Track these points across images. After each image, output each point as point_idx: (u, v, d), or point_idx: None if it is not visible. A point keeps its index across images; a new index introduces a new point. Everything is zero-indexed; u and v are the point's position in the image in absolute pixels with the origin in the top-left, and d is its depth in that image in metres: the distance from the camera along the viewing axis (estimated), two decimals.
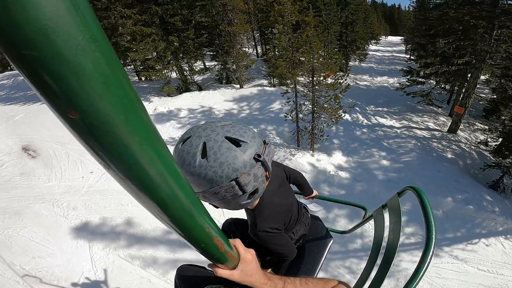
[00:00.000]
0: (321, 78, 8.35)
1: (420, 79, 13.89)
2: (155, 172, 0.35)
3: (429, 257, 0.66)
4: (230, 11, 13.21)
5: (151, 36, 12.38)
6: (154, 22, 13.12)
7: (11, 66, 30.93)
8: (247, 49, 21.14)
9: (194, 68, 14.52)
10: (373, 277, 0.89)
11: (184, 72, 14.33)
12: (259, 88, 15.08)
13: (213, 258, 0.63)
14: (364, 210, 1.58)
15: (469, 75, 11.67)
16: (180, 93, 14.20)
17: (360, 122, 12.98)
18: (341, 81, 8.22)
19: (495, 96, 12.92)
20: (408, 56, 29.97)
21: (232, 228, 1.60)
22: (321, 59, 8.06)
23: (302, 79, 8.72)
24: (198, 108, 12.97)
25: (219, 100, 13.81)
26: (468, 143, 11.67)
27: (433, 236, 0.68)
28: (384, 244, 0.98)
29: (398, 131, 12.00)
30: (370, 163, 9.57)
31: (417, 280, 0.67)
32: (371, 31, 32.58)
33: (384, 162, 9.55)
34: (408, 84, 14.42)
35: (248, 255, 0.73)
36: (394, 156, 9.89)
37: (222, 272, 0.68)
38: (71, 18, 0.22)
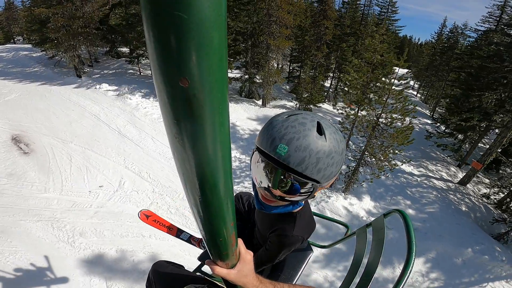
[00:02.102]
0: (387, 121, 8.17)
1: (455, 132, 14.29)
2: (215, 155, 0.37)
3: (409, 271, 0.77)
4: (274, 22, 12.95)
5: None
6: None
7: (15, 39, 30.57)
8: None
9: None
10: None
11: None
12: (284, 110, 14.84)
13: (221, 254, 0.64)
14: (346, 227, 1.71)
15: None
16: None
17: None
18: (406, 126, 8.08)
19: (499, 150, 13.82)
20: (415, 93, 30.99)
21: (240, 204, 1.64)
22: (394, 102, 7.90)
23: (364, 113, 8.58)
24: None
25: (242, 116, 13.22)
26: (476, 196, 12.38)
27: (413, 253, 0.78)
28: (364, 261, 1.08)
29: (418, 179, 12.43)
30: None
31: None
32: None
33: (410, 211, 10.18)
34: (438, 135, 14.85)
35: (248, 256, 0.75)
36: (419, 205, 10.58)
37: (220, 270, 0.69)
38: None
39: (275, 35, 13.09)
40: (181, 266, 1.24)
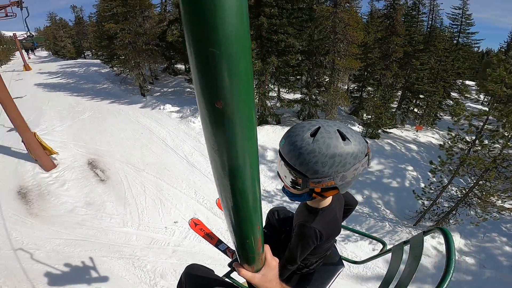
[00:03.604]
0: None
1: None
2: (244, 164, 0.45)
3: (446, 285, 0.78)
4: (340, 41, 12.54)
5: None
6: (252, 36, 12.59)
7: (85, 54, 34.15)
8: None
9: (283, 97, 13.81)
10: None
11: (267, 101, 13.62)
12: None
13: (248, 257, 0.73)
14: (383, 244, 1.70)
15: None
16: (259, 124, 13.41)
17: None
18: None
19: None
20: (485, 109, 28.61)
21: (274, 218, 1.76)
22: None
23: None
24: None
25: None
26: None
27: (451, 270, 0.81)
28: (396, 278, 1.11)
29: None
30: (492, 249, 9.74)
31: None
32: None
33: (507, 248, 9.75)
34: None
35: (273, 262, 0.83)
36: None
37: (245, 273, 0.78)
38: (245, 27, 0.31)
39: (341, 54, 12.68)
40: (211, 270, 1.33)
